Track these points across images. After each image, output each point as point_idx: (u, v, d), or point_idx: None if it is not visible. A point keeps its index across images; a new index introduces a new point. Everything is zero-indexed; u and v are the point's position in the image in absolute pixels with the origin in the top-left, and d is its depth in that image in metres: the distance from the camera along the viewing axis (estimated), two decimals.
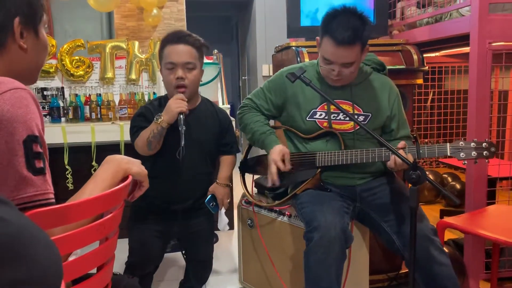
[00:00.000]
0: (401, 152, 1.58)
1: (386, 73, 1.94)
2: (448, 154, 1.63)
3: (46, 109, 2.91)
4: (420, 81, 2.39)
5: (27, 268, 0.41)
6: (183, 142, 1.70)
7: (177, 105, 1.71)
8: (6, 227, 0.41)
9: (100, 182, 0.98)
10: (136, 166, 1.08)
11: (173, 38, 1.78)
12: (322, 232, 1.59)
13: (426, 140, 3.59)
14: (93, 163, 2.83)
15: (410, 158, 1.57)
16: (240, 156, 2.16)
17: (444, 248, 1.72)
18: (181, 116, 1.71)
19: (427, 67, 2.40)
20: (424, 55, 2.41)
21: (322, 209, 1.67)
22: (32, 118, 0.85)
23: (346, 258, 1.71)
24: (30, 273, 0.41)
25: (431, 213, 3.08)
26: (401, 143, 1.64)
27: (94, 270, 1.03)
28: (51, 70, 3.02)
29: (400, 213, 1.72)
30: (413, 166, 1.43)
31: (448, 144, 1.63)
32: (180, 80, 1.76)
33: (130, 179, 1.04)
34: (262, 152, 1.96)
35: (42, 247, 0.44)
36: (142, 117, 1.83)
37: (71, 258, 0.97)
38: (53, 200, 0.87)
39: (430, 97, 3.56)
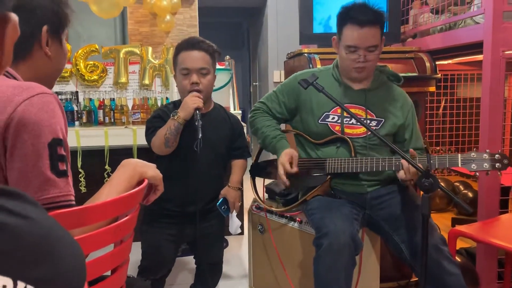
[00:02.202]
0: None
1: (400, 84, 1.94)
2: (459, 165, 1.62)
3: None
4: (432, 88, 2.38)
5: (53, 267, 0.42)
6: (200, 135, 1.73)
7: (193, 100, 1.76)
8: (36, 227, 0.42)
9: (116, 185, 1.00)
10: (151, 170, 1.10)
11: (187, 44, 1.82)
12: (331, 238, 1.59)
13: (438, 148, 3.57)
14: (106, 166, 2.87)
15: (420, 166, 1.57)
16: (250, 161, 2.18)
17: (456, 257, 1.71)
18: (197, 111, 1.75)
19: (439, 75, 2.39)
20: (437, 63, 2.41)
21: (331, 215, 1.68)
22: (57, 122, 0.88)
23: (356, 265, 1.70)
24: (56, 272, 0.42)
25: (442, 221, 3.06)
26: (411, 151, 1.63)
27: (108, 272, 1.05)
28: (65, 75, 3.06)
29: (409, 222, 1.72)
30: (425, 173, 1.43)
31: (459, 155, 1.61)
32: (194, 85, 1.80)
33: (146, 182, 1.06)
34: (273, 156, 1.97)
35: (67, 247, 0.46)
36: (158, 118, 1.87)
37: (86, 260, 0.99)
38: (74, 202, 0.90)
39: (442, 104, 3.54)
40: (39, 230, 0.42)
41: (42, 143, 0.84)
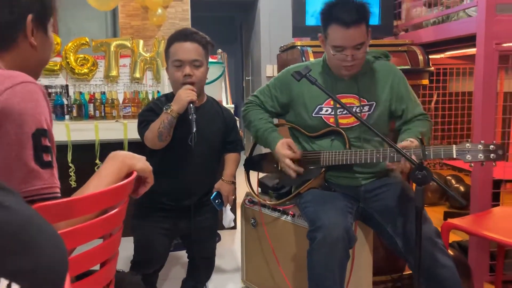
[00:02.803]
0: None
1: (389, 59, 1.93)
2: (454, 157, 1.60)
3: (50, 106, 2.91)
4: (425, 81, 2.38)
5: (33, 258, 0.40)
6: (194, 129, 1.70)
7: (187, 94, 1.73)
8: (13, 216, 0.40)
9: (105, 177, 0.98)
10: (141, 162, 1.07)
11: (180, 36, 1.79)
12: (325, 232, 1.58)
13: (431, 142, 3.57)
14: (97, 161, 2.84)
15: (414, 159, 1.56)
16: (244, 155, 2.16)
17: (448, 250, 1.71)
18: (191, 105, 1.73)
19: (432, 68, 2.39)
20: (430, 56, 2.40)
21: (325, 208, 1.67)
22: (42, 112, 0.85)
23: (350, 258, 1.70)
24: (36, 263, 0.40)
25: (435, 215, 3.07)
26: (405, 143, 1.62)
27: (97, 267, 1.03)
28: (55, 68, 3.02)
29: (403, 215, 1.71)
30: (418, 166, 1.42)
31: (454, 146, 1.60)
32: (187, 77, 1.77)
33: (134, 175, 1.04)
34: (266, 150, 1.96)
35: (48, 238, 0.44)
36: (151, 112, 1.83)
37: (73, 254, 0.97)
38: (59, 194, 0.87)
39: (435, 98, 3.54)
40: (17, 220, 0.40)
41: (25, 134, 0.81)
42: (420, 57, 2.35)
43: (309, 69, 1.68)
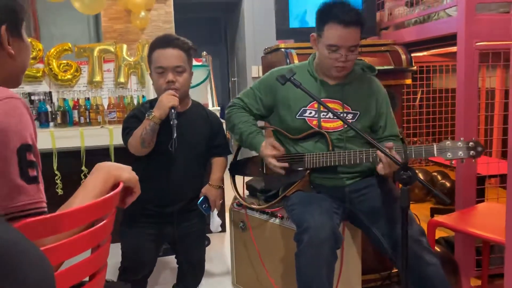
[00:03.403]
0: (393, 152, 1.59)
1: (375, 74, 1.96)
2: (435, 155, 1.64)
3: (34, 114, 2.87)
4: (408, 81, 2.41)
5: (19, 282, 0.40)
6: (175, 134, 1.71)
7: (169, 99, 1.73)
8: None
9: (91, 189, 0.98)
10: (126, 172, 1.07)
11: (161, 42, 1.79)
12: (311, 233, 1.60)
13: (416, 139, 3.61)
14: (83, 167, 2.81)
15: (399, 158, 1.58)
16: (230, 158, 2.16)
17: (435, 247, 1.73)
18: (173, 110, 1.73)
19: (415, 67, 2.42)
20: (412, 55, 2.43)
21: (311, 210, 1.68)
22: (26, 127, 0.85)
23: (338, 259, 1.71)
24: (22, 287, 0.40)
25: (421, 211, 3.10)
26: (389, 144, 1.65)
27: (86, 278, 1.02)
28: (38, 75, 2.98)
29: (388, 215, 1.73)
30: (403, 166, 1.44)
31: (434, 144, 1.64)
32: (170, 84, 1.77)
33: (121, 186, 1.03)
34: (252, 154, 1.96)
35: (33, 262, 0.44)
36: (134, 118, 1.83)
37: (62, 267, 0.96)
38: (46, 209, 0.87)
39: (419, 96, 3.58)
40: (1, 246, 0.40)
41: (10, 149, 0.81)
42: (403, 57, 2.37)
43: (293, 73, 1.69)
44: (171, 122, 1.71)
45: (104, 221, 0.97)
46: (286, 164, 1.81)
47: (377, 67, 2.01)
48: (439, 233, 2.50)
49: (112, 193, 0.97)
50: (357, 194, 1.84)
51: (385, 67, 2.35)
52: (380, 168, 1.66)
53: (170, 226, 1.87)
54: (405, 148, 1.64)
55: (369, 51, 2.41)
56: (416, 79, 3.28)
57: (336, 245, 1.65)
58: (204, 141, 1.93)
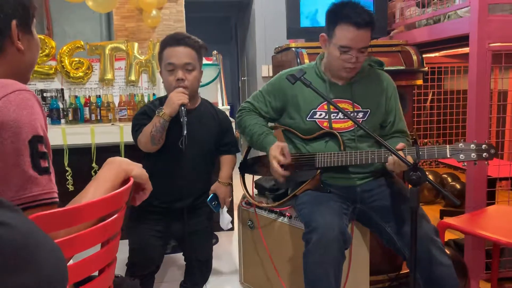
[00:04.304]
0: (400, 153, 1.58)
1: (383, 69, 1.95)
2: (448, 156, 1.63)
3: (46, 110, 2.90)
4: (419, 82, 2.39)
5: (33, 274, 0.41)
6: (185, 132, 1.72)
7: (179, 97, 1.74)
8: (13, 234, 0.41)
9: (103, 183, 0.99)
10: (137, 168, 1.08)
11: (172, 40, 1.80)
12: (320, 233, 1.59)
13: (426, 140, 3.59)
14: (93, 164, 2.83)
15: (410, 159, 1.58)
16: (240, 157, 2.17)
17: (445, 249, 1.72)
18: (183, 107, 1.74)
19: (426, 68, 2.40)
20: (424, 56, 2.42)
21: (320, 210, 1.68)
22: (37, 119, 0.86)
23: (346, 259, 1.71)
24: (36, 279, 0.41)
25: (431, 213, 3.09)
26: (400, 144, 1.64)
27: (96, 273, 1.03)
28: (50, 72, 3.01)
29: (401, 214, 1.73)
30: (413, 166, 1.43)
31: (447, 146, 1.63)
32: (180, 82, 1.78)
33: (132, 181, 1.04)
34: (262, 153, 1.97)
35: (47, 253, 0.44)
36: (144, 115, 1.85)
37: (71, 261, 0.97)
38: (57, 199, 0.88)
39: (430, 97, 3.56)
40: (18, 237, 0.41)
41: (22, 141, 0.82)
42: (414, 57, 2.36)
43: (303, 72, 1.69)
44: (181, 120, 1.72)
45: (115, 216, 0.98)
46: (287, 173, 1.80)
47: (388, 67, 2.00)
48: (449, 235, 2.48)
49: (123, 188, 0.98)
50: (369, 194, 1.84)
51: (396, 68, 2.34)
52: (391, 168, 1.66)
53: (177, 223, 1.89)
54: (417, 149, 1.63)
55: (380, 51, 2.40)
56: (427, 80, 3.25)
57: (344, 246, 1.65)
58: (213, 139, 1.94)
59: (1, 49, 0.97)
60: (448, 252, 2.12)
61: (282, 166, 1.79)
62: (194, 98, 1.88)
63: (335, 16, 1.76)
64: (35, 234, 0.44)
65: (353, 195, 1.84)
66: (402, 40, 2.50)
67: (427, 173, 1.65)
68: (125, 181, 1.05)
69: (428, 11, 2.49)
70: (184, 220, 1.88)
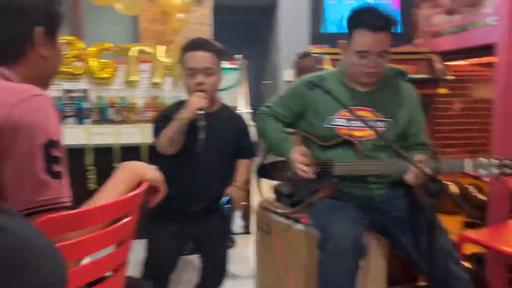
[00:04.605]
0: (419, 165, 1.55)
1: (406, 79, 1.92)
2: (468, 171, 1.59)
3: (72, 110, 2.98)
4: (443, 90, 2.35)
5: (30, 279, 0.42)
6: (202, 136, 1.74)
7: (197, 101, 1.77)
8: (8, 238, 0.42)
9: (116, 187, 1.01)
10: (151, 172, 1.10)
11: (192, 45, 1.83)
12: (335, 242, 1.58)
13: (448, 150, 3.51)
14: (116, 164, 2.88)
15: (428, 171, 1.55)
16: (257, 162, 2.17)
17: (464, 263, 1.68)
18: (201, 112, 1.76)
19: (451, 76, 2.36)
20: (449, 64, 2.37)
21: (335, 218, 1.67)
22: (52, 124, 0.88)
23: (361, 269, 1.69)
24: (33, 283, 0.42)
25: (453, 224, 3.00)
26: (419, 156, 1.61)
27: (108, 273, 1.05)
28: (77, 72, 3.09)
29: (417, 225, 1.70)
30: (431, 178, 1.41)
31: (467, 159, 1.59)
32: (199, 85, 1.80)
33: (145, 185, 1.06)
34: (280, 158, 1.97)
35: (46, 257, 0.45)
36: (164, 118, 1.87)
37: (86, 261, 0.99)
38: (69, 204, 0.90)
39: (456, 106, 3.48)
40: (14, 242, 0.42)
41: (36, 145, 0.84)
42: (439, 66, 2.32)
43: (323, 78, 1.68)
44: (199, 124, 1.74)
45: (127, 220, 1.00)
46: (313, 176, 1.80)
47: (412, 75, 1.98)
48: (473, 249, 2.42)
49: (134, 192, 1.00)
50: (386, 204, 1.82)
51: (419, 76, 2.30)
52: (409, 177, 1.63)
53: (192, 225, 1.90)
54: (436, 161, 1.60)
55: (403, 58, 2.37)
56: (452, 88, 3.18)
57: (360, 256, 1.63)
58: (231, 143, 1.95)
59: (24, 53, 0.99)
60: (466, 266, 2.07)
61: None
62: (213, 102, 1.90)
63: (352, 22, 1.76)
64: (33, 238, 0.45)
65: (370, 205, 1.82)
66: (427, 48, 2.46)
67: (449, 182, 1.61)
68: (140, 184, 1.07)
69: (455, 19, 2.44)
70: (199, 222, 1.89)
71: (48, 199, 0.85)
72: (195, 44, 1.83)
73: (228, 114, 1.99)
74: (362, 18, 1.72)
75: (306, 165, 1.80)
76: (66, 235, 0.86)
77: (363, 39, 1.71)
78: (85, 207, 0.94)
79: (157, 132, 1.85)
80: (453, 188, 2.85)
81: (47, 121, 0.86)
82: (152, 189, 1.15)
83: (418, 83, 2.13)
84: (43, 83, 1.05)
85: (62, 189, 0.88)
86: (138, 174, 1.06)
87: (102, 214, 0.92)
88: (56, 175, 0.87)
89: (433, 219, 1.44)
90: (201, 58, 1.81)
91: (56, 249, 0.49)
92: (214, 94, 1.89)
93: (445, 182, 1.97)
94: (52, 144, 0.86)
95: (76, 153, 2.85)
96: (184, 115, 1.75)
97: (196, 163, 1.83)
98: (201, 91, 1.80)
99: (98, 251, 0.94)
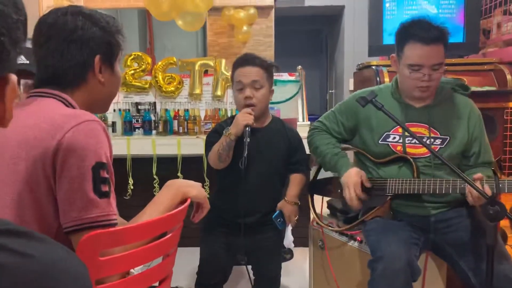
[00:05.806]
0: (477, 184, 1.47)
1: (468, 94, 1.83)
2: None
3: (140, 122, 3.16)
4: None
5: None
6: (246, 153, 1.78)
7: (244, 118, 1.80)
8: (35, 264, 0.47)
9: (159, 204, 1.07)
10: (195, 190, 1.15)
11: (241, 61, 1.89)
12: (385, 263, 1.54)
13: None
14: (178, 173, 3.01)
15: (488, 191, 1.46)
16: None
17: None
18: (247, 128, 1.80)
19: None
20: None
21: (387, 239, 1.62)
22: (102, 147, 0.96)
23: None
24: None
25: None
26: (477, 175, 1.53)
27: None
28: (146, 86, 3.27)
29: (477, 249, 1.60)
30: (490, 200, 1.33)
31: None
32: (248, 99, 1.84)
33: (188, 202, 1.11)
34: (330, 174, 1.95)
35: (71, 281, 0.50)
36: (216, 133, 1.94)
37: (134, 273, 1.06)
38: (115, 221, 0.97)
39: None
40: (38, 268, 0.47)
41: (86, 166, 0.92)
42: (508, 77, 2.18)
43: (374, 95, 1.65)
44: (244, 140, 1.78)
45: (170, 235, 1.05)
46: (358, 206, 1.76)
47: (477, 88, 1.88)
48: None
49: (177, 209, 1.05)
50: (444, 225, 1.73)
51: (486, 88, 2.17)
52: (470, 200, 1.56)
53: (243, 237, 1.93)
54: (497, 181, 1.51)
55: (469, 69, 2.26)
56: None
57: (412, 278, 1.57)
58: (282, 157, 1.96)
59: (84, 79, 1.09)
60: None
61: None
62: (263, 116, 1.93)
63: (402, 35, 1.71)
64: (57, 263, 0.50)
65: (426, 225, 1.74)
66: (496, 58, 2.32)
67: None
68: (184, 201, 1.12)
69: None
70: (251, 235, 1.92)
71: (96, 217, 0.93)
72: (244, 60, 1.89)
73: (280, 127, 2.00)
74: (412, 31, 1.67)
75: (357, 194, 1.75)
76: (111, 250, 0.93)
77: (414, 52, 1.66)
78: (132, 223, 1.01)
79: (208, 146, 1.92)
80: None
81: (97, 144, 0.94)
82: (197, 205, 1.21)
83: (483, 96, 2.02)
84: (101, 107, 1.15)
85: (109, 208, 0.95)
86: (181, 192, 1.12)
87: (144, 231, 0.98)
88: (104, 195, 0.94)
89: (493, 244, 1.36)
90: (249, 72, 1.85)
91: (84, 271, 0.53)
92: (264, 108, 1.92)
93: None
94: (100, 166, 0.94)
95: (143, 162, 3.02)
96: (232, 131, 1.80)
97: (244, 179, 1.86)
98: (249, 105, 1.84)
99: (144, 264, 1.00)
